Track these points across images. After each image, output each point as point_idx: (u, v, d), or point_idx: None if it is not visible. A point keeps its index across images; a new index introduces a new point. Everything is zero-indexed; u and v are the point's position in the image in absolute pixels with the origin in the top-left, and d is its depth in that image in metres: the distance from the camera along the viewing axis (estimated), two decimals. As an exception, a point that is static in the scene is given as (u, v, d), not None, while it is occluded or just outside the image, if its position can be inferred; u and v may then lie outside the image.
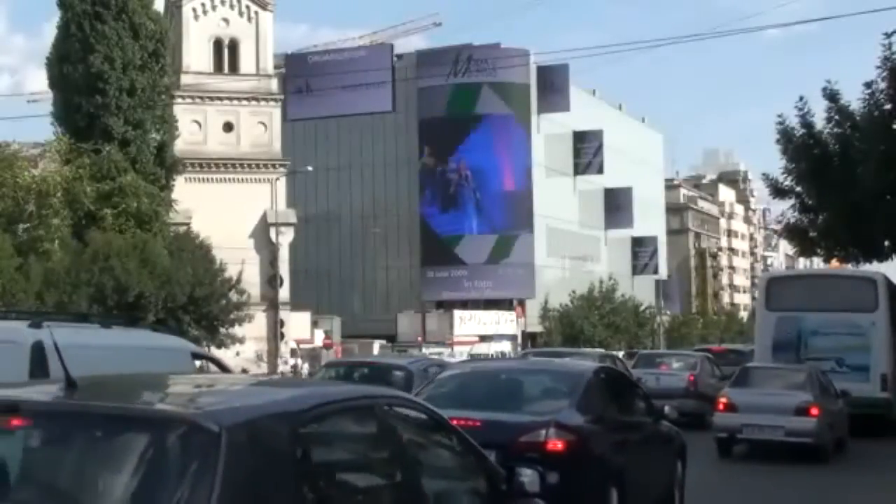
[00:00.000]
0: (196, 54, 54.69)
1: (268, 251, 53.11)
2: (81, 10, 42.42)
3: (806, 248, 29.15)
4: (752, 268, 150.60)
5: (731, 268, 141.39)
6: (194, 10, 54.86)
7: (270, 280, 51.67)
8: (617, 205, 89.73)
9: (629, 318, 72.12)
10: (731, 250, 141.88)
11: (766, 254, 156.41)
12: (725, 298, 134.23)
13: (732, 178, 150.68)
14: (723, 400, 16.86)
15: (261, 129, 55.48)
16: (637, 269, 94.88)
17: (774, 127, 25.85)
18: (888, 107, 23.67)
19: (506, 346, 58.20)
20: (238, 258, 43.80)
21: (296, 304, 55.14)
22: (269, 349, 52.06)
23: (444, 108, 75.83)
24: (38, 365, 7.12)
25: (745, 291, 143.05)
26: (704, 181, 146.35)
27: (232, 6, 55.51)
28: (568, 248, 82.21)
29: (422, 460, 4.61)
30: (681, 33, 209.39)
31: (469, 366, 14.54)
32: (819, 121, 25.39)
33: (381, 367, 16.69)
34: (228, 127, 54.66)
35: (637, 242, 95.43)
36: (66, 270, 36.56)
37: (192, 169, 50.93)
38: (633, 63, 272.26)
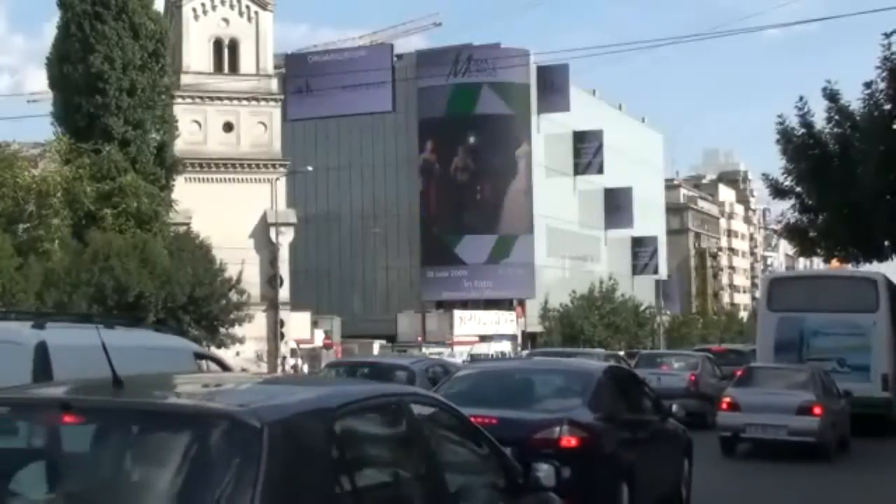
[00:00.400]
0: (196, 54, 54.68)
1: (268, 251, 53.11)
2: (81, 10, 42.41)
3: (806, 248, 29.16)
4: (752, 268, 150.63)
5: (731, 268, 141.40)
6: (194, 10, 54.85)
7: (270, 280, 51.67)
8: (617, 205, 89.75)
9: (629, 318, 72.11)
10: (731, 250, 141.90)
11: (766, 254, 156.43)
12: (725, 298, 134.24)
13: (732, 178, 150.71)
14: (726, 399, 17.03)
15: (261, 129, 55.47)
16: (637, 269, 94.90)
17: (774, 127, 25.87)
18: (888, 107, 23.65)
19: (506, 346, 58.25)
20: (238, 258, 43.78)
21: (296, 304, 55.14)
22: (269, 349, 52.07)
23: (444, 108, 75.86)
24: (41, 365, 7.13)
25: (745, 291, 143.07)
26: (704, 181, 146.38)
27: (232, 6, 55.51)
28: (568, 248, 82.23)
29: (444, 455, 4.78)
30: (681, 33, 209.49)
31: (482, 366, 15.03)
32: (819, 121, 25.41)
33: (383, 366, 16.75)
34: (228, 127, 54.65)
35: (637, 242, 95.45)
36: (66, 270, 36.56)
37: (192, 169, 50.92)
38: (633, 63, 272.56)
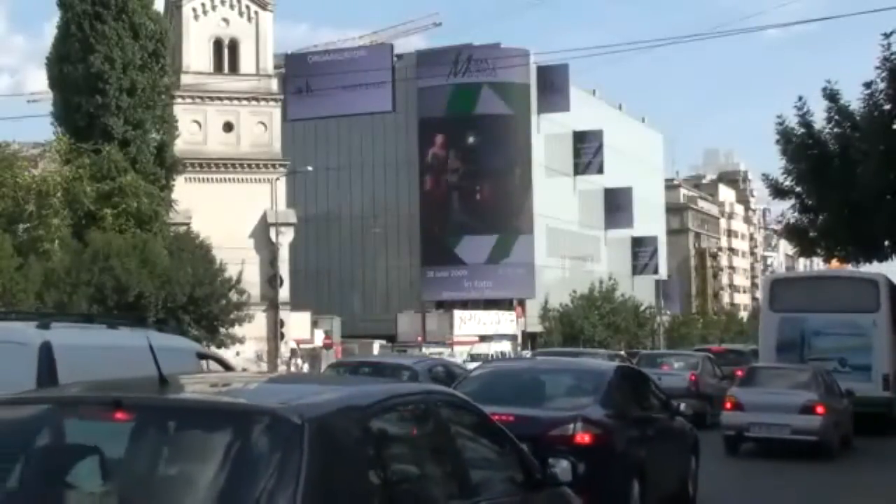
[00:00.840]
0: (196, 54, 54.67)
1: (268, 251, 53.11)
2: (81, 10, 42.41)
3: (806, 248, 29.14)
4: (752, 268, 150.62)
5: (731, 268, 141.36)
6: (194, 10, 54.85)
7: (270, 280, 51.67)
8: (617, 205, 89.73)
9: (629, 318, 72.13)
10: (731, 250, 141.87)
11: (766, 254, 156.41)
12: (725, 298, 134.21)
13: (732, 178, 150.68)
14: (730, 399, 17.28)
15: (261, 129, 55.47)
16: (637, 269, 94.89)
17: (774, 127, 25.84)
18: (888, 107, 23.60)
19: (506, 346, 58.19)
20: (238, 258, 43.80)
21: (296, 304, 55.13)
22: (269, 349, 52.06)
23: (444, 108, 75.85)
24: (46, 365, 7.16)
25: (745, 291, 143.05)
26: (704, 181, 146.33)
27: (232, 6, 55.50)
28: (568, 248, 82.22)
29: (467, 450, 5.00)
30: (681, 33, 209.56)
31: (496, 365, 15.58)
32: (819, 121, 25.38)
33: (386, 366, 16.80)
34: (228, 127, 54.65)
35: (637, 242, 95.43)
36: (66, 270, 36.56)
37: (192, 169, 50.92)
38: (633, 63, 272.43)
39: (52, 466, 3.96)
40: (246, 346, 43.63)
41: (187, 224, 45.47)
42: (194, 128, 53.14)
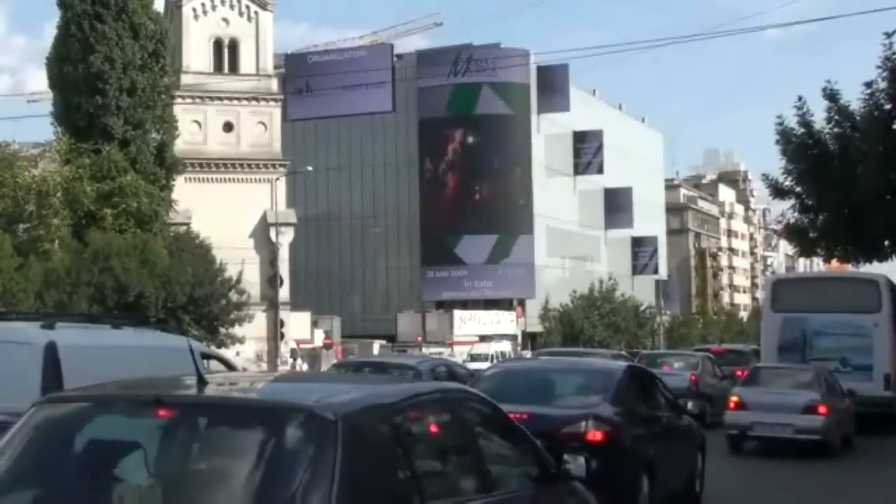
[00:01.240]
0: (196, 54, 54.68)
1: (268, 251, 53.11)
2: (81, 10, 42.42)
3: (806, 248, 29.14)
4: (752, 268, 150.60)
5: (731, 268, 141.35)
6: (194, 10, 54.85)
7: (270, 280, 51.67)
8: (617, 205, 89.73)
9: (629, 318, 72.12)
10: (731, 250, 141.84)
11: (766, 254, 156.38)
12: (725, 298, 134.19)
13: (732, 178, 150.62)
14: (734, 398, 17.50)
15: (261, 129, 55.48)
16: (637, 269, 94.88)
17: (774, 127, 25.85)
18: (888, 107, 23.62)
19: (506, 346, 58.15)
20: (238, 258, 43.82)
21: (296, 304, 55.14)
22: (269, 349, 52.06)
23: (444, 108, 75.84)
24: (51, 365, 7.19)
25: (745, 291, 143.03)
26: (704, 181, 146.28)
27: (232, 6, 55.51)
28: (568, 248, 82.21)
29: (487, 446, 5.21)
30: (681, 33, 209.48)
31: (508, 365, 16.02)
32: (819, 121, 25.38)
33: (390, 366, 16.81)
34: (228, 127, 54.66)
35: (637, 242, 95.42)
36: (66, 270, 36.57)
37: (192, 169, 50.93)
38: (633, 63, 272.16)
39: (100, 461, 4.14)
40: (246, 346, 43.64)
41: (187, 224, 45.47)
42: (194, 128, 53.14)
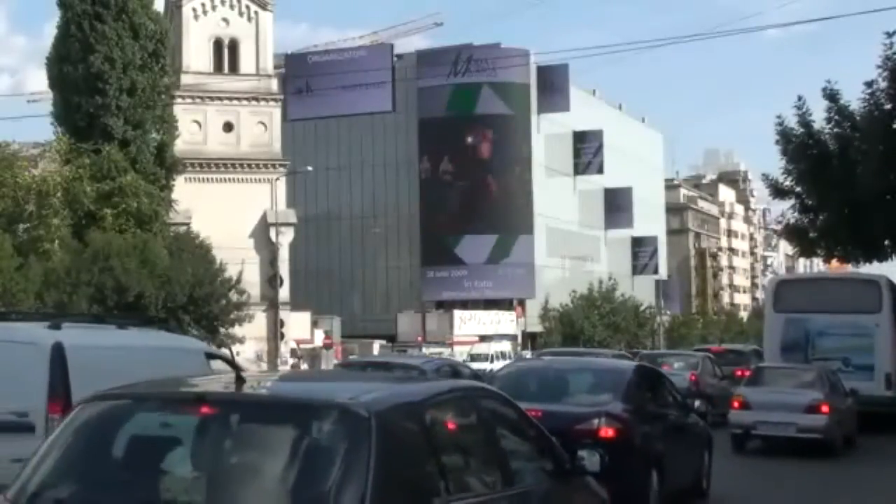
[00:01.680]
0: (196, 54, 54.66)
1: (268, 251, 53.10)
2: (81, 10, 42.41)
3: (806, 248, 29.16)
4: (752, 268, 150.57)
5: (731, 268, 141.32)
6: (194, 10, 54.83)
7: (270, 280, 51.65)
8: (617, 205, 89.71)
9: (629, 318, 72.09)
10: (731, 250, 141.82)
11: (766, 254, 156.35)
12: (725, 298, 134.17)
13: (732, 178, 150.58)
14: (738, 398, 17.74)
15: (261, 129, 55.47)
16: (637, 269, 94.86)
17: (774, 127, 25.85)
18: (888, 107, 23.64)
19: (506, 346, 58.14)
20: (238, 258, 43.80)
21: (296, 304, 55.13)
22: (269, 349, 52.05)
23: (444, 108, 75.82)
24: (58, 365, 7.23)
25: (745, 291, 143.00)
26: (704, 181, 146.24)
27: (232, 6, 55.49)
28: (568, 248, 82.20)
29: (506, 442, 5.44)
30: (681, 33, 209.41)
31: (520, 365, 16.71)
32: (819, 121, 25.39)
33: (395, 367, 16.83)
34: (228, 127, 54.64)
35: (637, 242, 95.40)
36: (66, 270, 36.56)
37: (192, 169, 50.91)
38: (633, 63, 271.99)
39: (146, 455, 4.37)
40: (246, 346, 43.61)
41: (187, 224, 45.46)
42: (194, 128, 53.13)
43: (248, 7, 55.65)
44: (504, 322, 69.75)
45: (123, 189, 40.46)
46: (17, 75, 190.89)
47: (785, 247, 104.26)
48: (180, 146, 47.79)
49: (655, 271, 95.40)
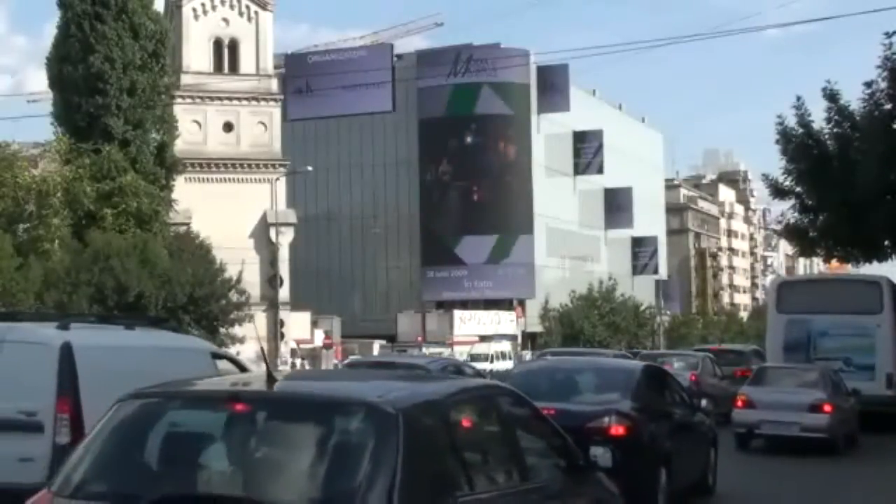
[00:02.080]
0: (196, 54, 54.67)
1: (268, 251, 53.10)
2: (81, 11, 42.42)
3: (806, 248, 29.19)
4: (752, 268, 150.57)
5: (731, 268, 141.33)
6: (194, 10, 54.84)
7: (270, 280, 51.65)
8: (617, 205, 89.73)
9: (629, 318, 72.11)
10: (731, 250, 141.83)
11: (766, 254, 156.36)
12: (725, 298, 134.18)
13: (732, 178, 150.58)
14: (741, 397, 17.92)
15: (261, 129, 55.47)
16: (637, 269, 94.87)
17: (774, 127, 25.85)
18: (888, 107, 23.64)
19: (506, 346, 58.15)
20: (238, 258, 43.78)
21: (296, 304, 55.12)
22: (269, 349, 52.02)
23: (444, 108, 75.84)
24: (66, 365, 7.25)
25: (745, 291, 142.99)
26: (704, 181, 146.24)
27: (232, 6, 55.50)
28: (568, 248, 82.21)
29: (523, 439, 5.63)
30: (681, 33, 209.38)
31: (531, 364, 17.29)
32: (819, 121, 25.39)
33: (401, 367, 16.85)
34: (228, 127, 54.64)
35: (637, 242, 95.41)
36: (66, 270, 36.56)
37: (192, 169, 50.91)
38: (633, 63, 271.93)
39: (184, 450, 4.61)
40: (246, 347, 43.52)
41: (187, 224, 45.47)
42: (194, 128, 53.13)
43: (248, 7, 55.65)
44: (504, 322, 69.74)
45: (123, 189, 40.46)
46: (17, 75, 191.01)
47: (785, 247, 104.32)
48: (180, 146, 47.80)
49: (655, 271, 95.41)
